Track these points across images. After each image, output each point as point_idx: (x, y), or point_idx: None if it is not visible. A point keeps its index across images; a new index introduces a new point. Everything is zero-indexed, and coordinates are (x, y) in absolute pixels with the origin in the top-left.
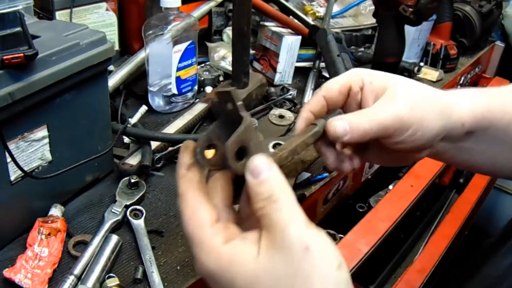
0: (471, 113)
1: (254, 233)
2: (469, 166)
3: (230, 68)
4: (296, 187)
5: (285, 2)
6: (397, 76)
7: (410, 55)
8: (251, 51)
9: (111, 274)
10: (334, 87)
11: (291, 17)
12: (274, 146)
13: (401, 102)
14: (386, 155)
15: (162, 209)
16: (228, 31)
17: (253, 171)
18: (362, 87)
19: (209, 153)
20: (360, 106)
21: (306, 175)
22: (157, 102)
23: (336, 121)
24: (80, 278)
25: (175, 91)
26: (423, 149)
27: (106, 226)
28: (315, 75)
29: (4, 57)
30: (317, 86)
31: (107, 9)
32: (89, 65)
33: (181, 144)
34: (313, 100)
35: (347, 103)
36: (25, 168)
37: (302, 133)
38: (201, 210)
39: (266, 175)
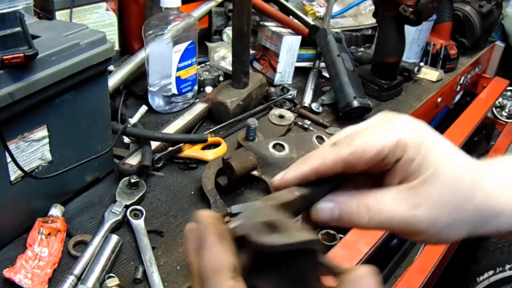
0: None
1: None
2: None
3: (230, 68)
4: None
5: (285, 2)
6: (447, 155)
7: (410, 55)
8: (251, 51)
9: (111, 274)
10: (367, 153)
11: (291, 17)
12: (274, 146)
13: (430, 208)
14: None
15: (162, 209)
16: (228, 31)
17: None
18: (399, 160)
19: None
20: (381, 173)
21: None
22: (157, 102)
23: (324, 205)
24: (80, 278)
25: (175, 91)
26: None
27: (106, 226)
28: (315, 75)
29: (4, 57)
30: (317, 86)
31: (107, 9)
32: (89, 65)
33: (180, 145)
34: (328, 158)
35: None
36: (25, 168)
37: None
38: None
39: None
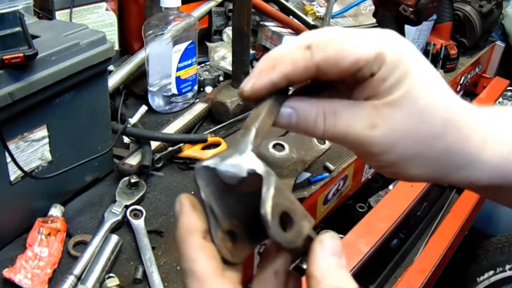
0: (495, 171)
1: None
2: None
3: (230, 68)
4: (296, 187)
5: (285, 2)
6: (423, 82)
7: None
8: (251, 51)
9: (111, 274)
10: (342, 62)
11: (291, 17)
12: (274, 146)
13: (387, 131)
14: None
15: (162, 209)
16: (228, 31)
17: (327, 248)
18: (373, 74)
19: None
20: (347, 85)
21: (306, 175)
22: (157, 102)
23: (283, 110)
24: (80, 278)
25: (175, 91)
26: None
27: (106, 226)
28: None
29: (4, 57)
30: None
31: (107, 9)
32: (89, 65)
33: (180, 145)
34: (299, 64)
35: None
36: (25, 168)
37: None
38: None
39: (343, 262)
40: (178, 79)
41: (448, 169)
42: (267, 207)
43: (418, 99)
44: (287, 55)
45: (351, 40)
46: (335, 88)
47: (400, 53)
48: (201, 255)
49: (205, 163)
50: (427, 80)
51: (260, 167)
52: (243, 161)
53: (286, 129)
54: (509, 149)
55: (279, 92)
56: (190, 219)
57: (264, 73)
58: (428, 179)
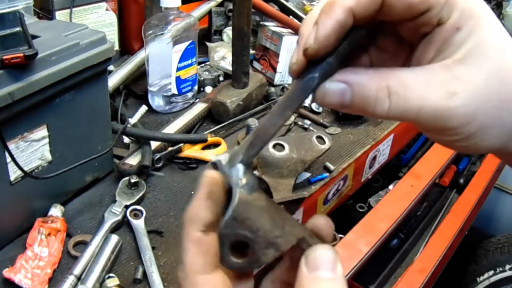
0: None
1: None
2: None
3: (230, 68)
4: (296, 187)
5: (285, 2)
6: (503, 39)
7: None
8: (251, 51)
9: (111, 274)
10: None
11: (291, 17)
12: (274, 146)
13: (470, 98)
14: None
15: (162, 209)
16: (228, 31)
17: (312, 264)
18: (441, 24)
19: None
20: (409, 45)
21: (306, 175)
22: (157, 102)
23: (333, 86)
24: (80, 278)
25: (175, 91)
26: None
27: (106, 226)
28: None
29: (4, 57)
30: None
31: (107, 9)
32: (89, 65)
33: (180, 145)
34: None
35: (397, 26)
36: (25, 168)
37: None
38: None
39: (329, 275)
40: (178, 79)
41: None
42: (218, 234)
43: (494, 55)
44: None
45: None
46: (388, 52)
47: (475, 3)
48: (193, 249)
49: (214, 159)
50: (498, 33)
51: (235, 189)
52: (230, 173)
53: (335, 109)
54: None
55: (312, 66)
56: (198, 207)
57: (323, 16)
58: (502, 148)
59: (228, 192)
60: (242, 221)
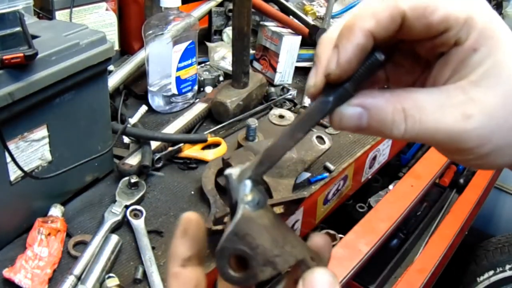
0: None
1: None
2: None
3: (230, 68)
4: (296, 187)
5: (285, 2)
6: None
7: None
8: (251, 51)
9: (111, 274)
10: (434, 13)
11: (291, 17)
12: None
13: (485, 121)
14: None
15: (162, 209)
16: (228, 31)
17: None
18: (458, 44)
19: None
20: (425, 64)
21: (306, 175)
22: (157, 102)
23: (350, 111)
24: (80, 278)
25: (175, 91)
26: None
27: (106, 226)
28: None
29: (4, 57)
30: None
31: (107, 9)
32: (89, 65)
33: (180, 145)
34: (382, 14)
35: (418, 44)
36: (25, 168)
37: None
38: None
39: None
40: (178, 79)
41: None
42: (218, 248)
43: (510, 77)
44: (364, 10)
45: None
46: (404, 67)
47: (492, 20)
48: (173, 283)
49: (227, 171)
50: None
51: (240, 204)
52: (237, 188)
53: (353, 132)
54: None
55: (328, 90)
56: (175, 244)
57: (344, 40)
58: (507, 166)
59: (234, 207)
60: (243, 237)
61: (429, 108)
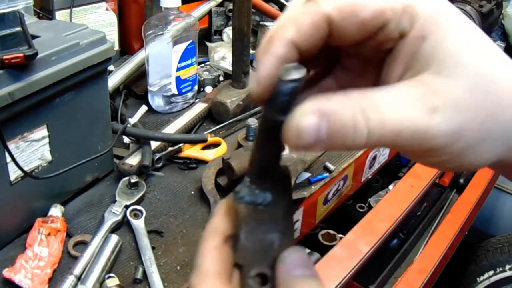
0: None
1: None
2: None
3: (230, 68)
4: (296, 187)
5: (285, 2)
6: (477, 41)
7: None
8: (251, 51)
9: (111, 274)
10: (361, 12)
11: None
12: None
13: (453, 113)
14: None
15: (162, 209)
16: (228, 31)
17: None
18: (404, 36)
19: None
20: (376, 63)
21: (306, 175)
22: (157, 102)
23: (305, 122)
24: (80, 278)
25: (175, 91)
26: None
27: (106, 226)
28: None
29: (4, 57)
30: None
31: (107, 9)
32: (89, 65)
33: (180, 145)
34: (303, 21)
35: (357, 46)
36: (25, 168)
37: None
38: None
39: (308, 272)
40: (178, 79)
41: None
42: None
43: (471, 63)
44: (285, 18)
45: None
46: (355, 70)
47: (435, 7)
48: (211, 254)
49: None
50: (472, 37)
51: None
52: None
53: (308, 150)
54: None
55: (273, 101)
56: (218, 221)
57: (261, 54)
58: (497, 163)
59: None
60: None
61: (388, 106)
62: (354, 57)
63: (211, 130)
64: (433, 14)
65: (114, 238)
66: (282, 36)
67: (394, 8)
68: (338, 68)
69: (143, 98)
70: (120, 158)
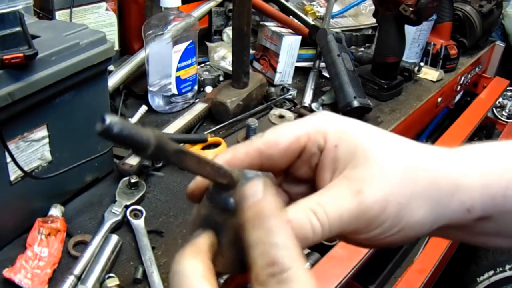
0: (483, 192)
1: None
2: (489, 246)
3: (230, 68)
4: None
5: (285, 2)
6: (374, 136)
7: (410, 55)
8: (251, 51)
9: (111, 274)
10: (281, 141)
11: (291, 17)
12: None
13: (374, 189)
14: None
15: (162, 209)
16: (228, 31)
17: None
18: (322, 149)
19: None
20: (312, 174)
21: None
22: (157, 102)
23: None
24: (80, 278)
25: (175, 91)
26: (406, 241)
27: (106, 226)
28: (315, 75)
29: (4, 57)
30: (317, 86)
31: (107, 9)
32: (89, 65)
33: (180, 145)
34: (239, 150)
35: (294, 167)
36: (25, 168)
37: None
38: None
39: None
40: (178, 79)
41: (444, 204)
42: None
43: (382, 149)
44: (228, 150)
45: (287, 124)
46: (303, 187)
47: (341, 122)
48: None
49: None
50: (379, 135)
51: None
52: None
53: None
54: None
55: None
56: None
57: (201, 164)
58: (432, 221)
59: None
60: None
61: (327, 202)
62: (294, 175)
63: (211, 130)
64: (339, 128)
65: (114, 238)
66: (222, 157)
67: (307, 132)
68: (286, 185)
69: (143, 98)
70: (120, 158)
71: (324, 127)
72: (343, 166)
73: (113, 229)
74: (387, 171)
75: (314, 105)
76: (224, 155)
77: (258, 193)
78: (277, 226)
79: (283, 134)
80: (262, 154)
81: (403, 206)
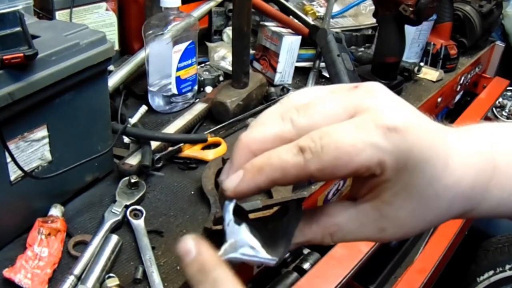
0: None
1: None
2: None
3: (230, 68)
4: (296, 187)
5: (285, 2)
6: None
7: (410, 55)
8: (251, 51)
9: (111, 274)
10: (340, 172)
11: (291, 17)
12: None
13: (397, 230)
14: None
15: (162, 209)
16: (228, 31)
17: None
18: (373, 175)
19: None
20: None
21: None
22: (157, 102)
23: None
24: (80, 278)
25: (175, 91)
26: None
27: (106, 226)
28: (315, 75)
29: (4, 57)
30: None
31: (107, 9)
32: (89, 65)
33: (180, 145)
34: (292, 169)
35: None
36: (25, 168)
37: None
38: None
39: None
40: (178, 79)
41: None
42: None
43: (417, 195)
44: (276, 157)
45: (349, 143)
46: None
47: (406, 154)
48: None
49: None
50: (424, 178)
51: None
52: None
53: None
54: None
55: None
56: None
57: (249, 175)
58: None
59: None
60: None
61: (350, 228)
62: None
63: (211, 130)
64: (403, 164)
65: (114, 238)
66: (268, 175)
67: (368, 166)
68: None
69: (143, 98)
70: (120, 158)
71: (386, 162)
72: (380, 193)
73: (113, 229)
74: (417, 214)
75: None
76: (274, 174)
77: (191, 251)
78: (221, 275)
79: (344, 163)
80: (311, 177)
81: (413, 227)
